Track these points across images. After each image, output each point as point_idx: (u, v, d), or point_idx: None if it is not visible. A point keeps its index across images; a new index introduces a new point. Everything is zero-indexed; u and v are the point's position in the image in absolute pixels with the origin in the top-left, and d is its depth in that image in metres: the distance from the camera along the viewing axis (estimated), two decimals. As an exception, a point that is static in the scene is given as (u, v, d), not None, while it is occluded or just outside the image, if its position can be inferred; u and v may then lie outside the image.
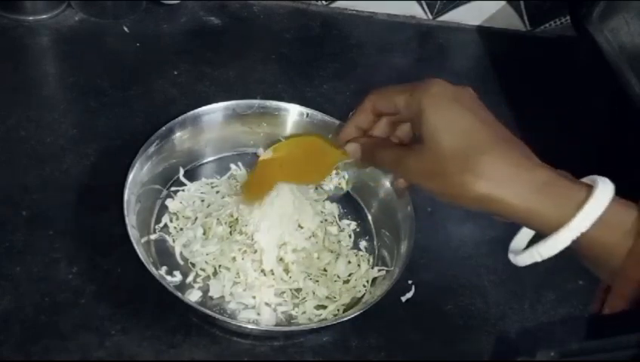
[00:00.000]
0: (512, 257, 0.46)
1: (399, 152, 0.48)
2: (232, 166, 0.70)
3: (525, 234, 0.47)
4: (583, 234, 0.41)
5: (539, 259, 0.43)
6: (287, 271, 0.62)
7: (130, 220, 0.58)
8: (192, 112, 0.67)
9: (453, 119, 0.44)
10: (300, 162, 0.59)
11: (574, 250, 0.42)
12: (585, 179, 0.43)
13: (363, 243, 0.67)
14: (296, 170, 0.60)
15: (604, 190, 0.41)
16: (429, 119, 0.45)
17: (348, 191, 0.71)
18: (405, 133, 0.52)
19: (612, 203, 0.41)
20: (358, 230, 0.68)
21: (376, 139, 0.52)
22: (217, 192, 0.67)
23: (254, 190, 0.62)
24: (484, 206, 0.43)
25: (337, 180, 0.71)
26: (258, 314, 0.59)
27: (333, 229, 0.67)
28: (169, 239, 0.63)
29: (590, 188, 0.41)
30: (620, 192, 0.42)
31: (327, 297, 0.61)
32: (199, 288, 0.60)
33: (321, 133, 0.65)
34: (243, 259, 0.61)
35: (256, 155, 0.72)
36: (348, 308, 0.61)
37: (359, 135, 0.52)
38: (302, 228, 0.64)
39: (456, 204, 0.44)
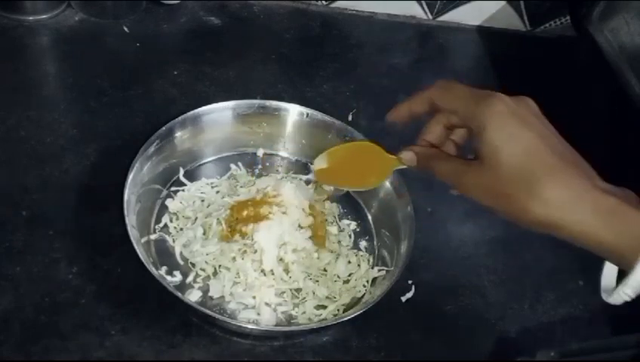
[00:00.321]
0: (605, 297, 0.45)
1: (458, 167, 0.47)
2: (232, 166, 0.70)
3: (611, 269, 0.46)
4: None
5: (628, 299, 0.42)
6: (287, 271, 0.62)
7: (130, 220, 0.58)
8: (192, 112, 0.67)
9: (516, 140, 0.43)
10: (355, 167, 0.59)
11: None
12: None
13: (363, 243, 0.67)
14: (351, 175, 0.60)
15: None
16: (490, 138, 0.44)
17: (348, 191, 0.71)
18: (461, 137, 0.51)
19: None
20: (358, 230, 0.68)
21: (433, 150, 0.51)
22: (217, 192, 0.67)
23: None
24: (545, 229, 0.43)
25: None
26: (258, 314, 0.59)
27: (333, 229, 0.67)
28: (169, 239, 0.63)
29: None
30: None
31: (327, 297, 0.61)
32: (199, 288, 0.60)
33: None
34: (243, 259, 0.61)
35: (256, 155, 0.72)
36: (348, 308, 0.61)
37: (409, 117, 0.51)
38: (302, 228, 0.64)
39: (515, 223, 0.44)
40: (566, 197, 0.41)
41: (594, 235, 0.41)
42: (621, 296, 0.42)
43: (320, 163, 0.60)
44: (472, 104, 0.46)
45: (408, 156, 0.51)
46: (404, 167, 0.53)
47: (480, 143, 0.45)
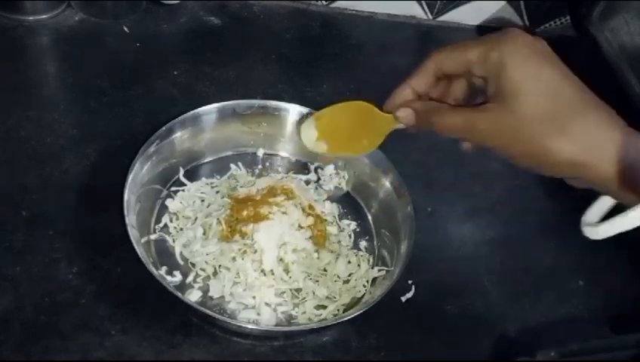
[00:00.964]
0: (587, 230, 0.42)
1: (467, 115, 0.43)
2: (232, 166, 0.70)
3: (598, 209, 0.43)
4: None
5: (623, 230, 0.39)
6: (287, 271, 0.62)
7: (130, 220, 0.58)
8: (192, 112, 0.67)
9: (541, 77, 0.41)
10: (346, 132, 0.54)
11: None
12: None
13: (363, 243, 0.67)
14: (341, 141, 0.55)
15: None
16: (512, 76, 0.41)
17: (348, 191, 0.71)
18: (461, 92, 0.47)
19: None
20: (358, 230, 0.68)
21: (434, 104, 0.46)
22: (217, 192, 0.67)
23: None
24: (567, 171, 0.41)
25: (337, 180, 0.71)
26: (258, 314, 0.59)
27: (333, 229, 0.67)
28: (169, 239, 0.63)
29: None
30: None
31: (327, 297, 0.61)
32: (199, 288, 0.60)
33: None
34: (243, 259, 0.61)
35: (256, 155, 0.72)
36: (348, 308, 0.61)
37: (414, 98, 0.47)
38: (302, 228, 0.64)
39: (536, 168, 0.41)
40: (595, 137, 0.39)
41: (617, 175, 0.39)
42: (616, 226, 0.39)
43: (308, 131, 0.56)
44: (485, 49, 0.42)
45: (405, 114, 0.47)
46: (401, 126, 0.48)
47: (499, 84, 0.41)
